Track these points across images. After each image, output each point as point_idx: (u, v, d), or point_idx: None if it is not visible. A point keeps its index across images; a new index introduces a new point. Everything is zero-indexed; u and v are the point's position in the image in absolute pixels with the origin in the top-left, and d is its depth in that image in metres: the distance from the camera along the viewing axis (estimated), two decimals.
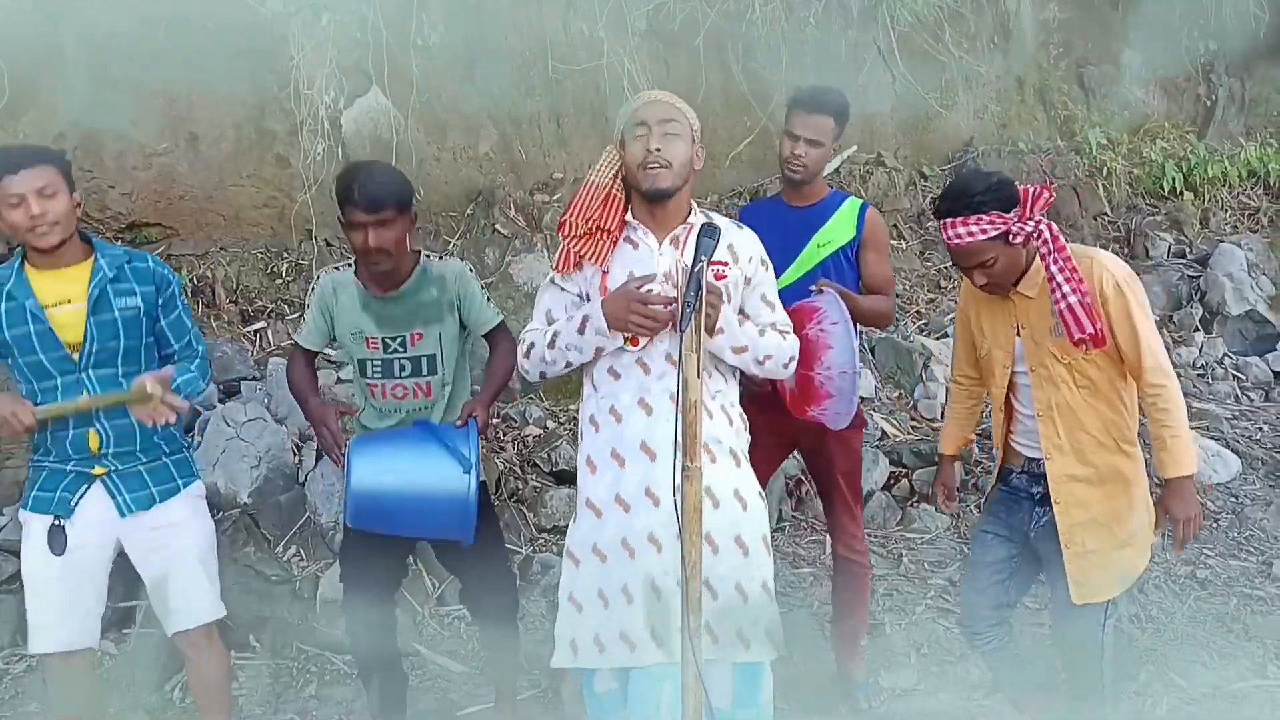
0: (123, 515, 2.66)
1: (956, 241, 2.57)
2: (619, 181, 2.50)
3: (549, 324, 2.52)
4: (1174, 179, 7.38)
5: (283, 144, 5.14)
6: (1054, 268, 2.52)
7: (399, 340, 2.86)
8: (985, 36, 7.18)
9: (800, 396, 2.72)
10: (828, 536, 3.67)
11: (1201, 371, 5.98)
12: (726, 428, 2.46)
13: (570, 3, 5.73)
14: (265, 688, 3.53)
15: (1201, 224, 7.24)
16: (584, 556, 2.43)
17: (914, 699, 3.38)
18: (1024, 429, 2.74)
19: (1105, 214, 7.21)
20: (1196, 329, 6.28)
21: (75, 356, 2.58)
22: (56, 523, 2.61)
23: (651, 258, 2.45)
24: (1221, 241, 6.84)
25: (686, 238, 2.44)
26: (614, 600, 2.37)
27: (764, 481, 3.13)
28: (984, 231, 2.53)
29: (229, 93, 4.99)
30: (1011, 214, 2.54)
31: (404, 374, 2.88)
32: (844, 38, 6.49)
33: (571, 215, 2.47)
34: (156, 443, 2.70)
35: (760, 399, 2.85)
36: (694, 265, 2.20)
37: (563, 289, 2.53)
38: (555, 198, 5.75)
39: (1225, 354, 6.06)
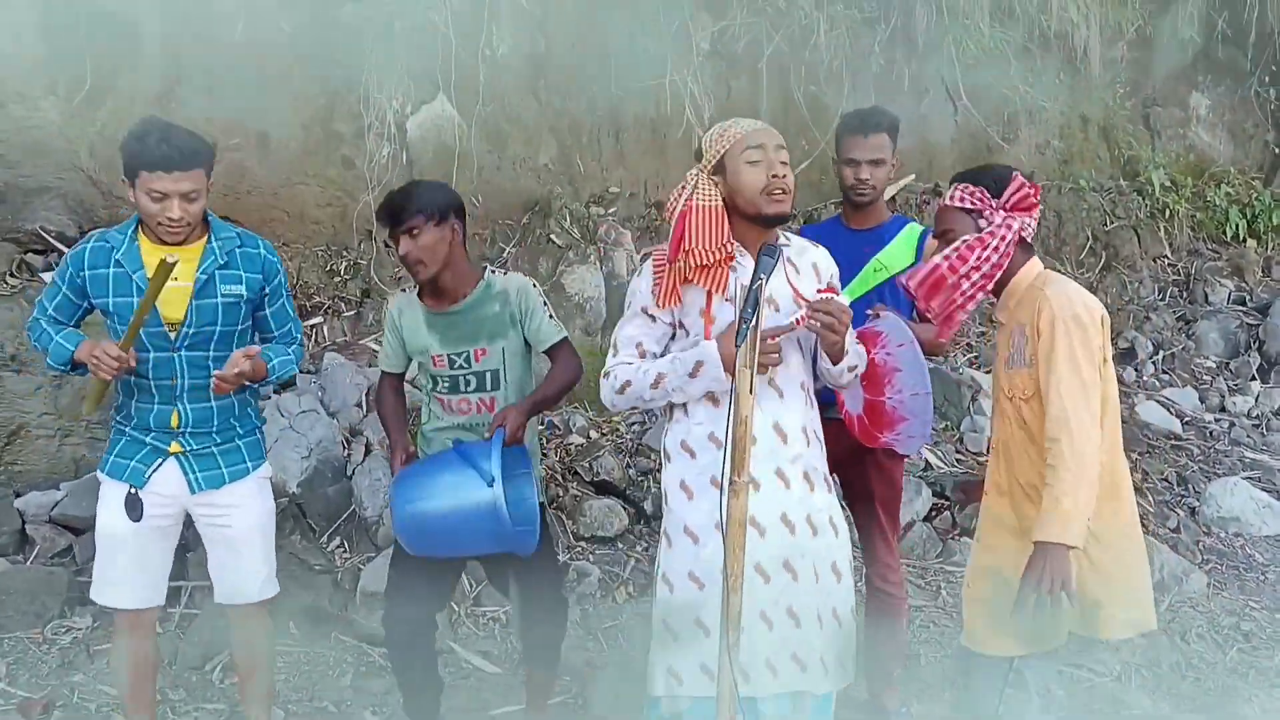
0: (193, 492, 2.75)
1: (939, 204, 2.56)
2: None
3: (639, 356, 2.44)
4: (1237, 225, 7.26)
5: (349, 146, 5.26)
6: (983, 252, 2.42)
7: (463, 356, 2.89)
8: (1052, 72, 7.13)
9: (872, 423, 2.68)
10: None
11: (1256, 421, 5.87)
12: (819, 452, 2.48)
13: (636, 20, 5.79)
14: (302, 675, 3.60)
15: (1264, 272, 7.11)
16: (679, 583, 2.40)
17: None
18: None
19: (1165, 257, 7.11)
20: (1253, 378, 6.17)
21: (172, 334, 2.66)
22: (133, 491, 2.71)
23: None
24: None
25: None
26: (714, 629, 2.30)
27: None
28: (959, 200, 2.47)
29: (300, 93, 5.12)
30: (995, 202, 2.45)
31: (469, 389, 2.91)
32: (907, 67, 6.49)
33: (697, 245, 2.35)
34: (232, 424, 2.79)
35: None
36: (753, 283, 2.22)
37: (654, 319, 2.45)
38: (611, 211, 5.80)
39: None
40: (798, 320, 2.36)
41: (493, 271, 2.96)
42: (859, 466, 3.09)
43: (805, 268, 2.50)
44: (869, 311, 2.84)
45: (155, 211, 2.56)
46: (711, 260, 2.34)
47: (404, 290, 3.03)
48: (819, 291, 2.45)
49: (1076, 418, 2.27)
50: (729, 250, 2.36)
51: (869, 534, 3.24)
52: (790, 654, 2.38)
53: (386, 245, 5.36)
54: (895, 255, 3.10)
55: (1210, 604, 4.23)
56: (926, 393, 2.59)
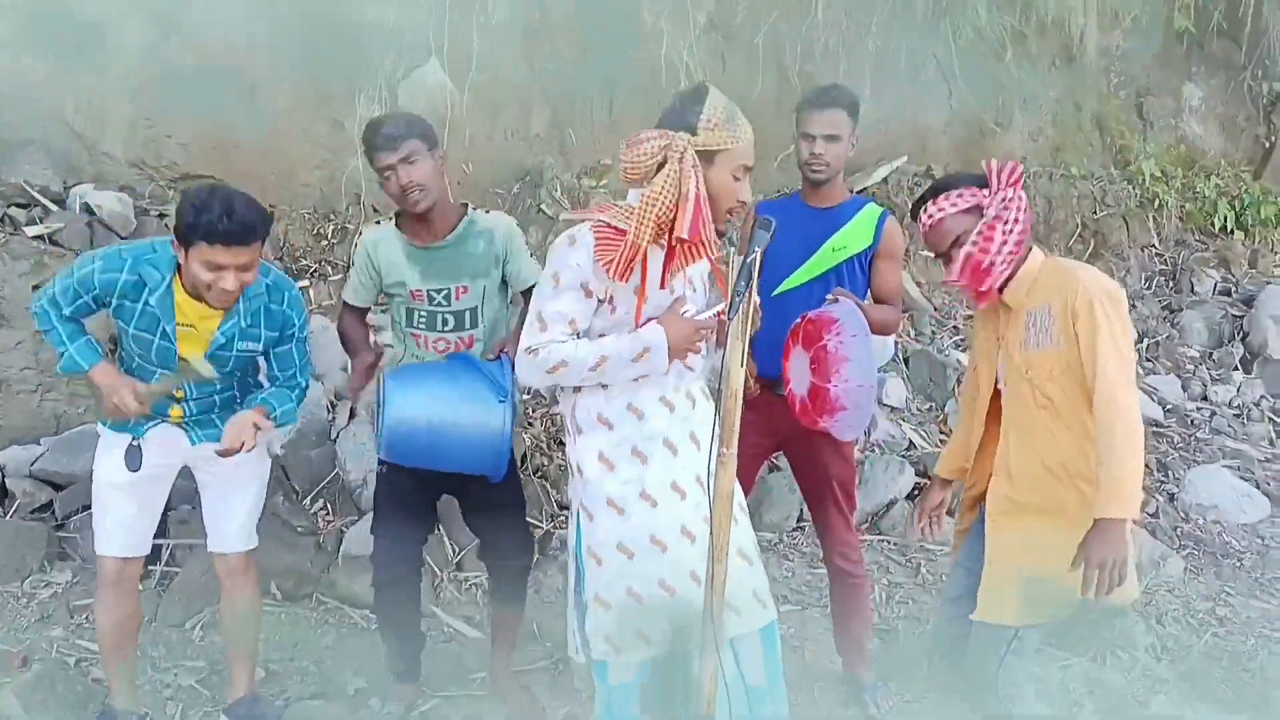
0: (193, 444, 2.80)
1: (928, 223, 2.54)
2: None
3: (572, 333, 2.31)
4: (1226, 217, 7.30)
5: (339, 107, 5.20)
6: (1001, 227, 2.47)
7: (443, 293, 2.86)
8: (1047, 58, 7.13)
9: (814, 406, 2.68)
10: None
11: (1238, 411, 5.92)
12: (691, 412, 2.45)
13: None
14: (283, 635, 3.59)
15: (1250, 264, 7.15)
16: (606, 556, 2.36)
17: (924, 706, 3.38)
18: None
19: (1153, 246, 7.14)
20: (1236, 368, 6.22)
21: (184, 363, 2.68)
22: (134, 443, 2.73)
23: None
24: (1269, 283, 6.76)
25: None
26: (649, 595, 2.33)
27: (748, 482, 3.10)
28: (953, 205, 2.51)
29: (290, 51, 5.05)
30: (984, 191, 2.51)
31: (446, 328, 2.88)
32: (904, 48, 6.46)
33: (707, 234, 2.29)
34: (235, 407, 2.81)
35: (748, 399, 2.66)
36: (746, 256, 2.20)
37: (590, 294, 2.30)
38: (602, 183, 5.77)
39: (1264, 395, 5.99)
40: (719, 313, 2.36)
41: (474, 209, 2.92)
42: (811, 445, 3.07)
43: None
44: (828, 296, 2.79)
45: (209, 280, 2.49)
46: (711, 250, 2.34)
47: (377, 222, 2.93)
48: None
49: (1124, 394, 2.33)
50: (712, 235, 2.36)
51: (825, 512, 3.20)
52: (750, 590, 2.39)
53: (375, 210, 5.33)
54: (853, 236, 3.04)
55: (1186, 589, 4.28)
56: (871, 385, 2.61)
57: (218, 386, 2.75)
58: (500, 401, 2.61)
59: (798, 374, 2.73)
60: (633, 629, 2.37)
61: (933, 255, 2.59)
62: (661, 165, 2.26)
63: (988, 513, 2.56)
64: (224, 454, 2.66)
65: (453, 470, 2.73)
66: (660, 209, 2.24)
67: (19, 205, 4.48)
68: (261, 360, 2.85)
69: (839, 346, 2.60)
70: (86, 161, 4.75)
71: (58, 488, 3.89)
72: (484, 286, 2.88)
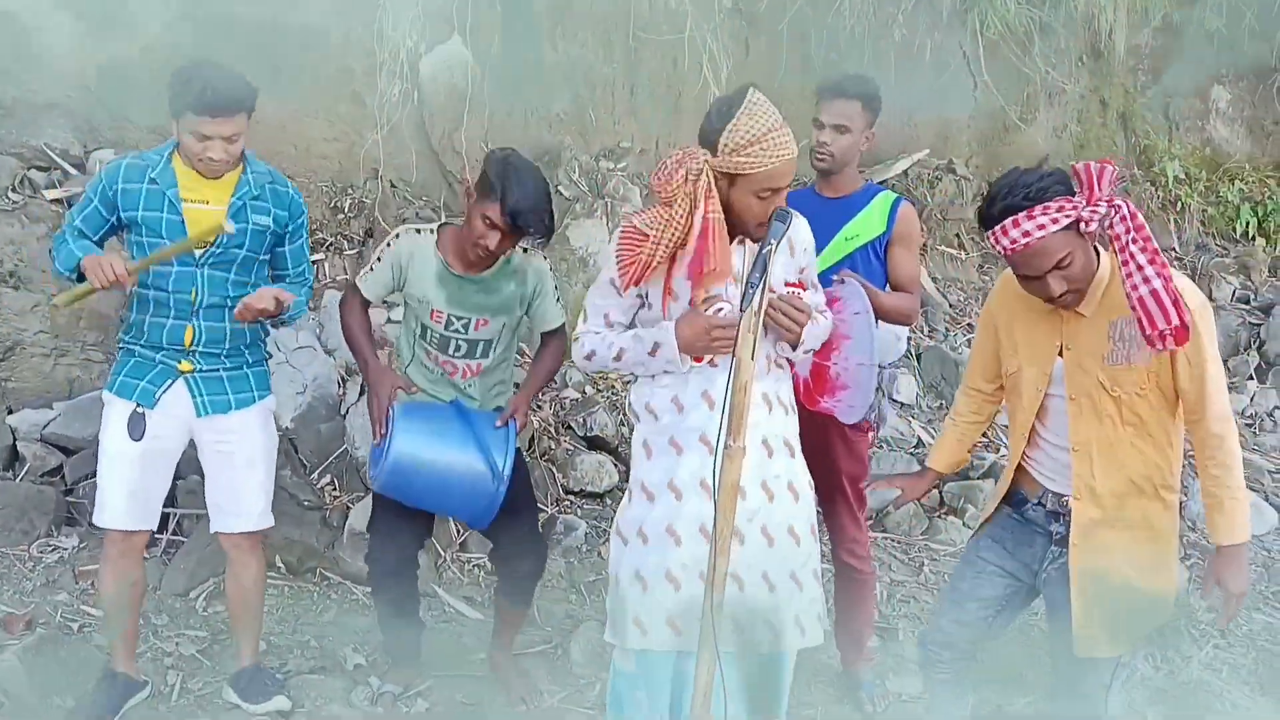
0: (199, 415, 2.80)
1: (1024, 242, 2.18)
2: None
3: (606, 326, 2.46)
4: (1248, 222, 7.22)
5: (360, 82, 5.18)
6: (1134, 248, 2.14)
7: (463, 322, 2.88)
8: (1074, 54, 7.04)
9: (815, 386, 2.66)
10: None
11: (1250, 421, 5.88)
12: (783, 418, 2.48)
13: None
14: (285, 608, 3.62)
15: (1270, 272, 7.08)
16: (630, 538, 2.44)
17: (920, 705, 3.38)
18: (1049, 459, 2.46)
19: (1174, 249, 7.07)
20: (1250, 377, 6.17)
21: (199, 252, 2.71)
22: (138, 410, 2.74)
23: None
24: None
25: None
26: (654, 583, 2.38)
27: None
28: (1054, 221, 2.17)
29: (312, 25, 5.03)
30: (1078, 199, 2.19)
31: (458, 354, 2.91)
32: (930, 39, 6.38)
33: (718, 264, 2.28)
34: (242, 350, 2.84)
35: None
36: (762, 248, 2.20)
37: (619, 291, 2.43)
38: (620, 166, 5.74)
39: (1277, 406, 5.95)
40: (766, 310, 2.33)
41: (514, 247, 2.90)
42: (824, 441, 3.05)
43: (781, 244, 2.44)
44: (834, 277, 2.77)
45: (198, 151, 2.64)
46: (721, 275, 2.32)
47: (418, 231, 2.93)
48: (787, 285, 2.43)
49: (1230, 412, 2.29)
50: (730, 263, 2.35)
51: (835, 508, 3.20)
52: (762, 618, 2.40)
53: (393, 185, 5.32)
54: (866, 223, 3.01)
55: (1190, 599, 4.26)
56: (871, 364, 2.56)
57: (227, 330, 2.76)
58: (494, 479, 2.76)
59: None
60: (631, 614, 2.39)
61: (1025, 278, 2.29)
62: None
63: (1073, 540, 2.38)
64: (240, 316, 2.68)
65: (440, 514, 2.91)
66: (673, 233, 2.29)
67: (39, 168, 4.49)
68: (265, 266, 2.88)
69: (839, 324, 2.58)
70: (108, 127, 4.75)
71: (68, 452, 3.91)
72: (504, 323, 2.93)
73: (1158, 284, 2.14)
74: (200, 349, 2.77)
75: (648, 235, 2.31)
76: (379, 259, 2.94)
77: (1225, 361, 6.30)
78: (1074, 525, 2.39)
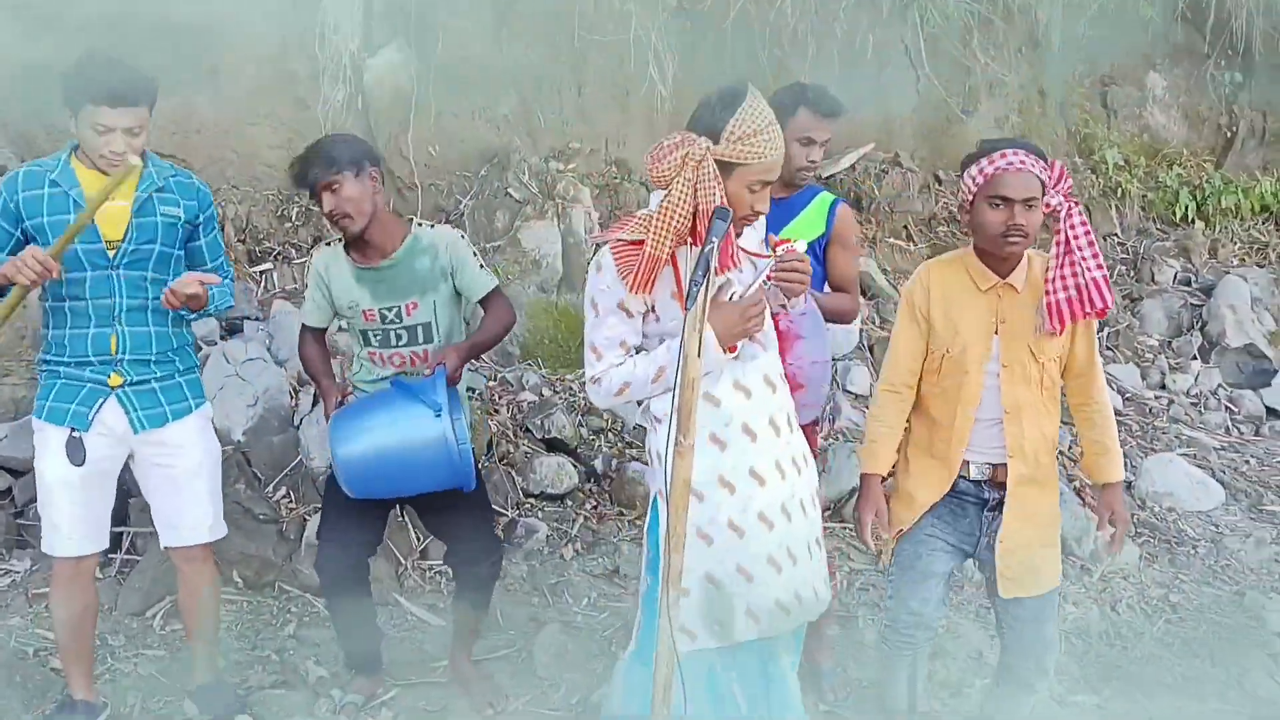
0: (136, 431, 2.73)
1: (1019, 165, 2.50)
2: None
3: (625, 353, 2.34)
4: (1187, 207, 7.38)
5: (303, 87, 5.13)
6: (1084, 239, 2.54)
7: (394, 311, 2.89)
8: (1013, 46, 7.15)
9: None
10: None
11: (1195, 400, 6.02)
12: (785, 395, 2.49)
13: None
14: (244, 624, 3.58)
15: (1210, 254, 7.24)
16: (686, 542, 2.32)
17: (877, 692, 3.42)
18: (976, 435, 2.66)
19: (1115, 235, 7.21)
20: (1194, 357, 6.31)
21: (111, 252, 2.65)
22: (74, 435, 2.67)
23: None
24: (1228, 273, 6.85)
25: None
26: (727, 581, 2.39)
27: None
28: (1042, 169, 2.54)
29: (253, 30, 4.97)
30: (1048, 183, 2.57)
31: (400, 343, 2.91)
32: (872, 35, 6.45)
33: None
34: (171, 357, 2.77)
35: None
36: (704, 246, 2.20)
37: (630, 312, 2.33)
38: (570, 167, 5.74)
39: (1220, 385, 6.09)
40: (768, 275, 2.39)
41: (419, 225, 2.94)
42: None
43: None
44: (773, 243, 2.78)
45: (99, 145, 2.57)
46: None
47: (328, 244, 2.99)
48: (778, 244, 2.47)
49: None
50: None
51: None
52: (794, 593, 2.45)
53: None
54: (804, 226, 3.04)
55: (1141, 575, 4.36)
56: (826, 361, 2.65)
57: (152, 335, 2.70)
58: (436, 416, 2.63)
59: None
60: (713, 616, 2.40)
61: (1001, 200, 2.53)
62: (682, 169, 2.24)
63: (1008, 500, 2.65)
64: (167, 302, 2.63)
65: (422, 491, 2.80)
66: (679, 219, 2.22)
67: None
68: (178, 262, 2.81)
69: (790, 326, 2.59)
70: (44, 138, 4.66)
71: (17, 474, 3.83)
72: (434, 301, 2.91)
73: (1098, 274, 2.56)
74: (127, 357, 2.70)
75: (641, 240, 2.25)
76: (308, 285, 2.99)
77: (1169, 342, 6.45)
78: (1010, 481, 2.66)
